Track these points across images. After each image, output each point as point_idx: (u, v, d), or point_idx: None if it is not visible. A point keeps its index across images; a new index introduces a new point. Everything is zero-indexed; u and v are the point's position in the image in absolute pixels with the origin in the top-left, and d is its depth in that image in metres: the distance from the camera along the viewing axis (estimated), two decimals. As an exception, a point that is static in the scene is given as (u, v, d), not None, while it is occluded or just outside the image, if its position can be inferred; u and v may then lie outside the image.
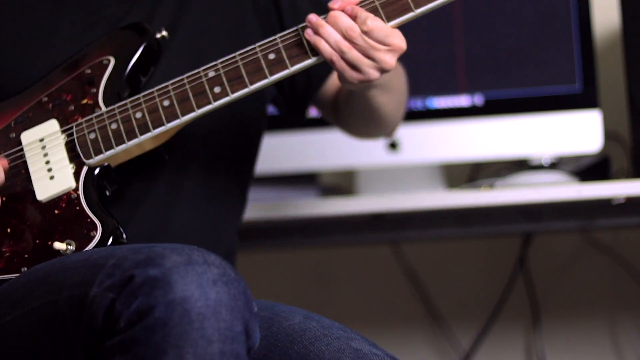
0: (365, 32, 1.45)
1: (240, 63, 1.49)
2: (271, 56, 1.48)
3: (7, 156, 1.53)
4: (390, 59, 1.46)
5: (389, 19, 1.46)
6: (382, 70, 1.47)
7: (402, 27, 1.48)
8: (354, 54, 1.45)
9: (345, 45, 1.45)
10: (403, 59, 1.52)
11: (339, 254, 2.56)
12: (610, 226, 2.40)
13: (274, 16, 1.70)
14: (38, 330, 1.33)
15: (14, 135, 1.55)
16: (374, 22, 1.45)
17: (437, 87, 2.17)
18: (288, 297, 2.54)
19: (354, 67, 1.46)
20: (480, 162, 2.31)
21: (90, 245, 1.44)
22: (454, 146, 2.16)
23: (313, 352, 1.40)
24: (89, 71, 1.56)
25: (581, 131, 2.09)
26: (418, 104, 2.18)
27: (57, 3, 1.64)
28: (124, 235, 1.47)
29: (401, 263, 2.51)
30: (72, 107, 1.54)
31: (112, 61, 1.56)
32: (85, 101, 1.54)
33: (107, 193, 1.52)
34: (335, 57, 1.45)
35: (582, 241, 2.46)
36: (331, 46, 1.45)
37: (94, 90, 1.54)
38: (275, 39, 1.49)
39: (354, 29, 1.45)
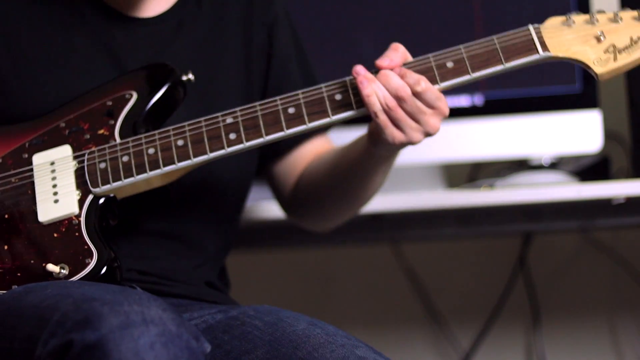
0: (416, 93, 1.45)
1: (259, 113, 1.50)
2: (291, 110, 1.50)
3: (16, 175, 1.53)
4: (436, 123, 1.47)
5: (443, 79, 1.47)
6: (427, 134, 1.48)
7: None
8: (400, 114, 1.45)
9: (392, 103, 1.45)
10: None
11: (339, 254, 2.56)
12: (610, 226, 2.40)
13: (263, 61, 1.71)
14: None
15: (26, 155, 1.55)
16: (427, 84, 1.45)
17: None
18: (288, 297, 2.54)
19: (397, 126, 1.46)
20: (480, 162, 2.31)
21: (83, 272, 1.44)
22: (454, 146, 2.15)
23: (317, 358, 1.39)
24: (110, 103, 1.56)
25: (581, 131, 2.09)
26: (418, 104, 2.17)
27: (69, 31, 1.64)
28: (119, 267, 1.46)
29: (401, 263, 2.51)
30: (87, 136, 1.54)
31: (135, 96, 1.56)
32: (101, 131, 1.54)
33: (109, 224, 1.51)
34: (380, 112, 1.46)
35: (582, 241, 2.46)
36: (379, 100, 1.46)
37: (112, 122, 1.55)
38: (297, 94, 1.50)
39: (404, 89, 1.45)
